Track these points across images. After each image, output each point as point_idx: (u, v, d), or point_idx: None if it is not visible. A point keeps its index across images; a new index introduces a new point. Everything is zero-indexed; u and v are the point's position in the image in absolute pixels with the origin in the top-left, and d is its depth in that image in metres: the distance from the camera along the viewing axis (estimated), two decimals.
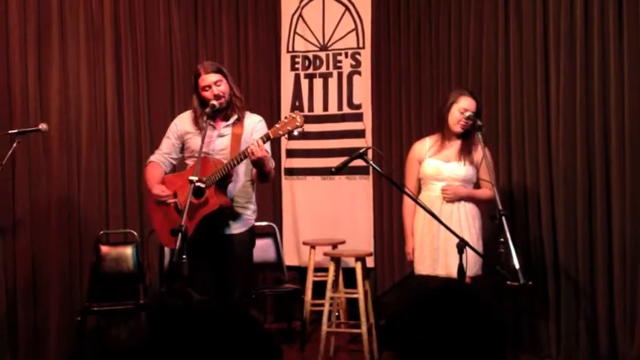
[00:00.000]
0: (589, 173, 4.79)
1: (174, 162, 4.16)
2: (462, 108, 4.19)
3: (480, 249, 4.15)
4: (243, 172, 3.96)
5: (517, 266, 3.45)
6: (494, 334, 1.54)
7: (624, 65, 4.67)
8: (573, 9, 4.83)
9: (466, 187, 4.25)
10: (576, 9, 4.81)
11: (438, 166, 4.24)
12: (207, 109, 3.85)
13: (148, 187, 4.06)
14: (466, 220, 4.19)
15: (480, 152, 4.18)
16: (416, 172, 4.35)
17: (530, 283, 3.54)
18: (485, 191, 4.23)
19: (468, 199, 4.22)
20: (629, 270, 4.67)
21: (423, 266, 4.22)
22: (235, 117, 3.96)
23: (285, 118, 3.71)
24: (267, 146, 3.82)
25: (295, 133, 3.68)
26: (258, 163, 3.77)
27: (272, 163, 3.92)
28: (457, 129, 4.21)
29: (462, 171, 4.22)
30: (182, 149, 4.10)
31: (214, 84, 3.90)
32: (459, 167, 4.22)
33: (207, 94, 3.91)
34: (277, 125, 3.69)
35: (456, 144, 4.26)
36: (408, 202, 4.32)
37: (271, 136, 3.69)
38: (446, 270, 4.10)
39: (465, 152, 4.22)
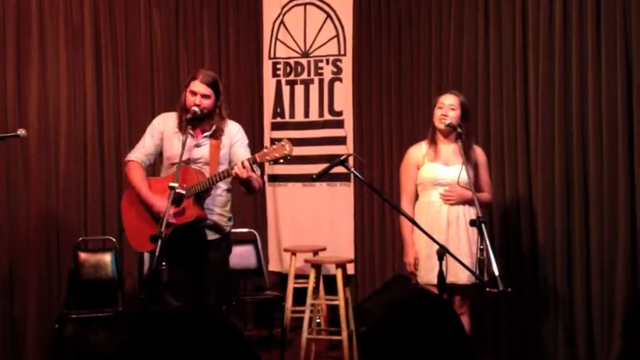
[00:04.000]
0: (567, 178, 4.83)
1: (152, 161, 4.12)
2: (440, 103, 4.17)
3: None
4: (221, 183, 3.93)
5: (497, 273, 3.46)
6: (465, 347, 1.54)
7: (602, 70, 4.72)
8: (552, 15, 4.88)
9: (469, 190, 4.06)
10: (555, 15, 4.86)
11: (439, 170, 4.14)
12: (188, 115, 3.84)
13: (139, 191, 3.92)
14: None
15: (478, 155, 4.22)
16: (414, 177, 4.22)
17: (510, 290, 3.54)
18: (486, 195, 4.23)
19: (473, 202, 4.00)
20: (606, 277, 4.71)
21: (432, 276, 3.85)
22: (215, 128, 3.93)
23: (274, 144, 3.68)
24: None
25: (281, 161, 3.69)
26: (244, 183, 3.77)
27: (260, 181, 3.91)
28: (440, 125, 4.14)
29: (464, 174, 4.02)
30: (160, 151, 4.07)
31: (201, 95, 3.87)
32: (460, 171, 4.05)
33: (190, 98, 3.89)
34: (265, 150, 3.68)
35: (452, 147, 4.15)
36: (406, 210, 4.07)
37: (258, 160, 3.69)
38: (455, 277, 3.92)
39: (465, 155, 4.04)
